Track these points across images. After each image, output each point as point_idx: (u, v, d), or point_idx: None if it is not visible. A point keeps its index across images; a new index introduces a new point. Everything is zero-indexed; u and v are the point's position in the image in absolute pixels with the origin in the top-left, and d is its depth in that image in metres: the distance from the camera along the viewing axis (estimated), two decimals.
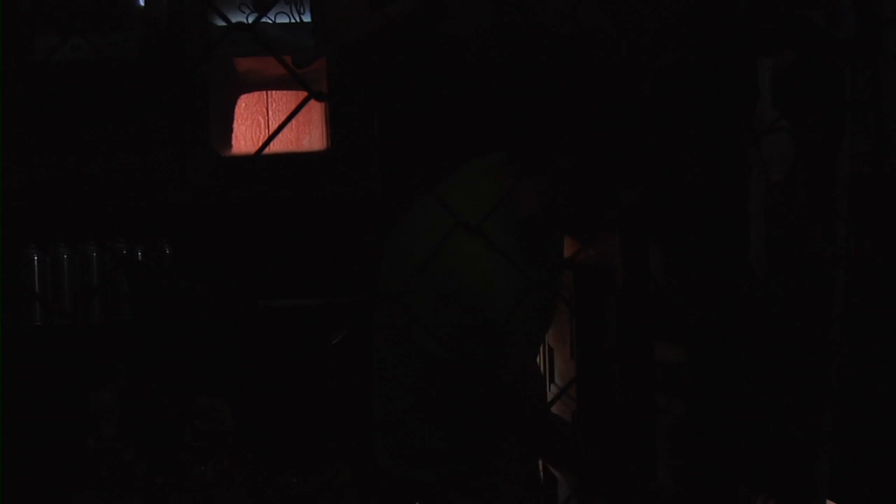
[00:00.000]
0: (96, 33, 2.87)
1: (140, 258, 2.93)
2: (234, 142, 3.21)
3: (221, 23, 2.94)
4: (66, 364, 2.90)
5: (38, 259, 2.92)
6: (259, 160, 3.14)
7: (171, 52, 2.89)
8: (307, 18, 3.13)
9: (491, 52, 3.10)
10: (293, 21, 3.08)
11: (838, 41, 1.68)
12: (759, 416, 1.81)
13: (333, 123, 2.96)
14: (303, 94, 3.51)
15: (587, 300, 3.17)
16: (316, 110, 3.38)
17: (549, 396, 2.98)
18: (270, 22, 3.05)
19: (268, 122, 3.32)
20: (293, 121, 3.41)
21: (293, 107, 3.35)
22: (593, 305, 3.16)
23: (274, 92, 3.33)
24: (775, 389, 1.81)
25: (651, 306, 3.00)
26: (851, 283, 1.67)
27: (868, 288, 1.74)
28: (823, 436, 1.69)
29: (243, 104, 3.27)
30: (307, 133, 3.35)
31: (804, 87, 1.75)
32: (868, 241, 1.73)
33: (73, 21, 2.88)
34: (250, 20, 3.05)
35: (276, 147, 3.25)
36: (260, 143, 3.28)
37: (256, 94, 3.30)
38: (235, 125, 3.20)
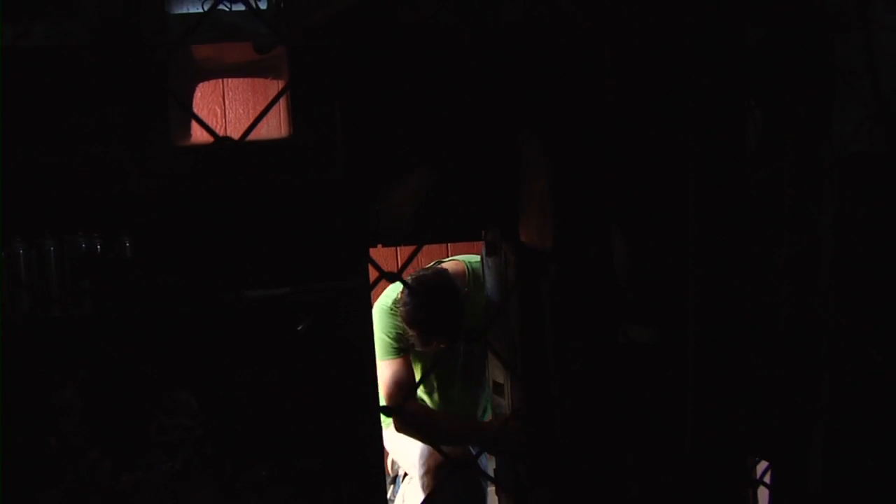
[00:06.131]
0: (48, 19, 2.78)
1: (99, 251, 2.85)
2: (192, 131, 3.15)
3: (178, 9, 2.88)
4: (26, 360, 2.81)
5: None
6: (217, 149, 3.08)
7: (127, 38, 2.82)
8: (264, 6, 3.08)
9: (453, 35, 3.10)
10: (250, 8, 3.02)
11: (829, 13, 1.71)
12: (757, 386, 1.84)
13: (294, 110, 2.92)
14: (260, 82, 3.46)
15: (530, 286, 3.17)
16: (272, 98, 3.32)
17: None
18: (227, 10, 2.99)
19: (224, 110, 3.27)
20: (249, 110, 3.36)
21: (250, 95, 3.31)
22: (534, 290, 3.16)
23: (230, 80, 3.27)
24: (774, 359, 1.85)
25: (615, 289, 3.02)
26: (843, 251, 1.70)
27: (862, 257, 1.78)
28: (820, 404, 1.73)
29: (199, 93, 3.21)
30: (264, 121, 3.29)
31: (791, 60, 1.78)
32: (862, 209, 1.77)
33: (23, 6, 2.79)
34: (206, 8, 2.99)
35: (233, 135, 3.20)
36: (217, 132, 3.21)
37: (212, 82, 3.24)
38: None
